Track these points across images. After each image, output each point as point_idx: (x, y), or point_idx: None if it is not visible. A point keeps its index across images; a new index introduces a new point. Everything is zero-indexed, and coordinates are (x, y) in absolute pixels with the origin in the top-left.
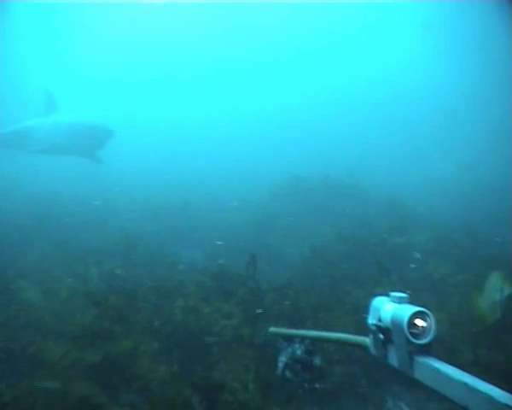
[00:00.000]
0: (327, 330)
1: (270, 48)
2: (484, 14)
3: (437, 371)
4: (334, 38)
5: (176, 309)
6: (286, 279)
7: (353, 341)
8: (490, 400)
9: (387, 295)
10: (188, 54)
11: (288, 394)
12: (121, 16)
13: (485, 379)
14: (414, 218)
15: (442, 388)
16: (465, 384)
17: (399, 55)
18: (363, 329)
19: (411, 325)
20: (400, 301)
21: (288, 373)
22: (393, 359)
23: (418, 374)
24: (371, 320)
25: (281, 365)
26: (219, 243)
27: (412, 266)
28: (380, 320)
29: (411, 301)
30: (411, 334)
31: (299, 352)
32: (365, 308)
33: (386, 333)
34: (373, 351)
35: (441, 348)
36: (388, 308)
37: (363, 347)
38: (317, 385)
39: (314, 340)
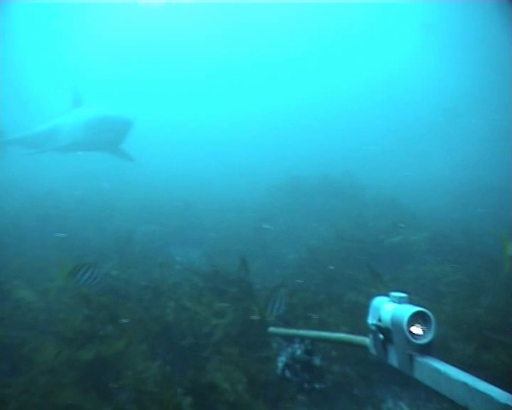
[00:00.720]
0: (319, 328)
1: (270, 48)
2: (484, 14)
3: (437, 371)
4: (333, 38)
5: (168, 309)
6: (281, 279)
7: (353, 341)
8: (490, 400)
9: (387, 295)
10: (187, 54)
11: (279, 393)
12: (122, 16)
13: (484, 379)
14: (411, 218)
15: (442, 388)
16: (465, 384)
17: (399, 55)
18: (356, 328)
19: (411, 325)
20: (400, 301)
21: (287, 373)
22: (393, 359)
23: (418, 374)
24: (371, 320)
25: (280, 365)
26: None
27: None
28: (380, 320)
29: (411, 301)
30: (411, 334)
31: (298, 352)
32: (358, 308)
33: (386, 333)
34: (373, 351)
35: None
36: (388, 308)
37: (362, 347)
38: (316, 385)
39: (314, 340)
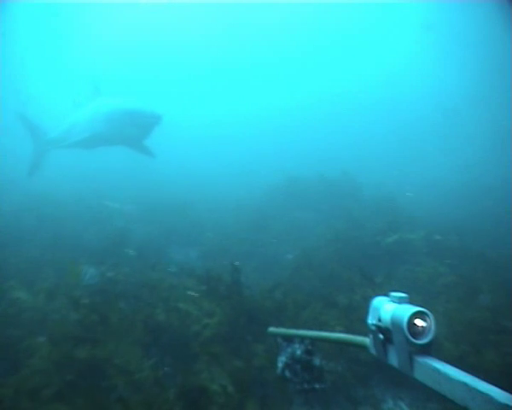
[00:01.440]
0: (312, 328)
1: (269, 48)
2: (484, 14)
3: (437, 371)
4: (333, 37)
5: (159, 309)
6: (276, 280)
7: (353, 341)
8: (490, 400)
9: (387, 295)
10: (186, 53)
11: (264, 393)
12: (121, 16)
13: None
14: (408, 218)
15: (442, 388)
16: (465, 384)
17: (399, 55)
18: (350, 328)
19: (411, 325)
20: (400, 301)
21: (287, 373)
22: (393, 359)
23: (418, 374)
24: (371, 320)
25: (280, 365)
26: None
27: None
28: (379, 320)
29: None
30: (411, 334)
31: (298, 352)
32: (353, 309)
33: (386, 333)
34: (373, 351)
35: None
36: (388, 308)
37: (362, 347)
38: (316, 385)
39: (314, 340)
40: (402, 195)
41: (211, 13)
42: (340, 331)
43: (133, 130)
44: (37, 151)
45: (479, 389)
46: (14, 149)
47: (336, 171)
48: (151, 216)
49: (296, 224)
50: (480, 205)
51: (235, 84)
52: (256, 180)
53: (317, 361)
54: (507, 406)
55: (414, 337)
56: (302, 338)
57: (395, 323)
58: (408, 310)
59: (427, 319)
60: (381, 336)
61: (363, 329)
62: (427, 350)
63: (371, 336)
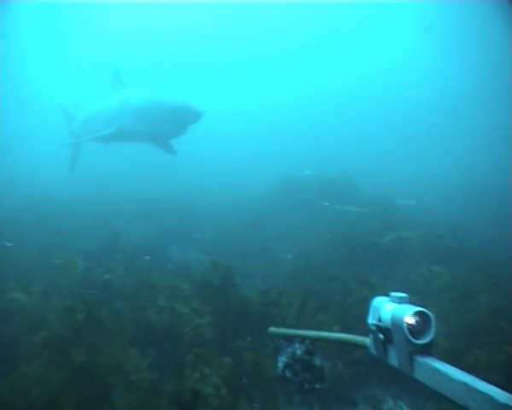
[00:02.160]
0: (307, 328)
1: (267, 47)
2: (484, 14)
3: (437, 371)
4: (332, 37)
5: (154, 310)
6: (272, 281)
7: (353, 341)
8: (490, 400)
9: (387, 295)
10: (186, 52)
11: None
12: (122, 15)
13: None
14: (405, 217)
15: (442, 388)
16: (465, 384)
17: (398, 55)
18: (345, 327)
19: (411, 324)
20: (400, 301)
21: (288, 373)
22: (393, 359)
23: (418, 374)
24: (371, 320)
25: (281, 365)
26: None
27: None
28: (380, 320)
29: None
30: (411, 334)
31: (299, 352)
32: (349, 309)
33: (387, 333)
34: (373, 351)
35: None
36: (388, 308)
37: (363, 347)
38: (317, 385)
39: (314, 340)
40: (401, 195)
41: (210, 12)
42: (338, 331)
43: (168, 127)
44: (75, 145)
45: (479, 389)
46: (14, 149)
47: (336, 170)
48: (151, 216)
49: (295, 224)
50: (478, 204)
51: (233, 82)
52: (253, 179)
53: (317, 361)
54: (507, 406)
55: (414, 337)
56: (302, 338)
57: (395, 323)
58: (408, 310)
59: (428, 319)
60: (381, 336)
61: (364, 329)
62: (427, 350)
63: (371, 336)
